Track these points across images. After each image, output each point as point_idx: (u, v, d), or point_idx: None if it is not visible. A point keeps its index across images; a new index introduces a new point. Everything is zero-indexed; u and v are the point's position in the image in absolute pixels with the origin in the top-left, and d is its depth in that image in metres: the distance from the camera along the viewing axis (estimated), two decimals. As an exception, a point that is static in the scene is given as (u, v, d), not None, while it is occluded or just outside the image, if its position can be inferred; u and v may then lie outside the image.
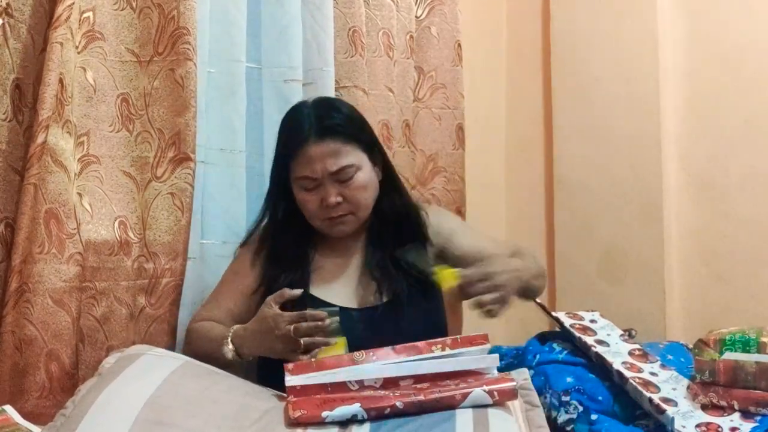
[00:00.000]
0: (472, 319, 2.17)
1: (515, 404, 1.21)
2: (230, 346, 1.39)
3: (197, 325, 1.52)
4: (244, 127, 1.73)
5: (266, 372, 1.43)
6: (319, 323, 1.30)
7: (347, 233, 1.52)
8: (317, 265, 1.54)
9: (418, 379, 1.22)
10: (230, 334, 1.40)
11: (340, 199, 1.45)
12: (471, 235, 1.59)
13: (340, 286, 1.52)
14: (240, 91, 1.72)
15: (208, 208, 1.68)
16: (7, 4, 1.38)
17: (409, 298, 1.45)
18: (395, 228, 1.52)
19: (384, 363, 1.22)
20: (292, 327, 1.29)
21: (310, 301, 1.45)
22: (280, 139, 1.54)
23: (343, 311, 1.39)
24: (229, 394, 1.22)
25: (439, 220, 1.59)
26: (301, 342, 1.28)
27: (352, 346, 1.31)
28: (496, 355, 1.27)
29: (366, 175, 1.48)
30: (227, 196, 1.71)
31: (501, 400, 1.18)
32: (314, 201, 1.47)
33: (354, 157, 1.46)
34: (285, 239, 1.54)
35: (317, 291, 1.49)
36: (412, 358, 1.23)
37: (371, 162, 1.51)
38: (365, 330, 1.38)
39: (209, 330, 1.48)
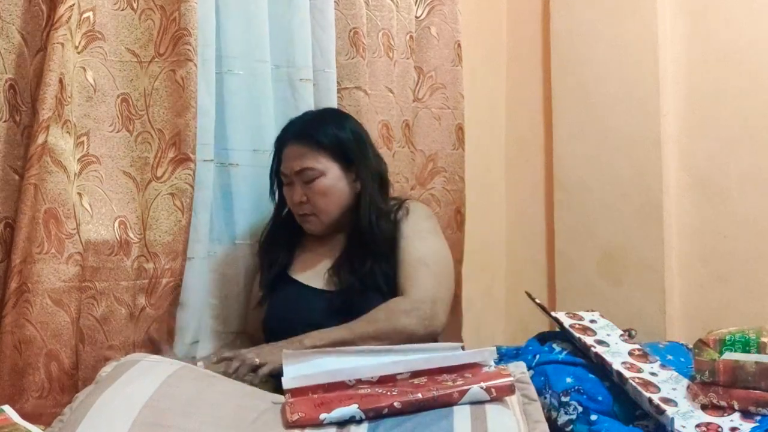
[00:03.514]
0: (471, 319, 2.18)
1: (512, 398, 1.21)
2: None
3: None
4: (274, 127, 1.76)
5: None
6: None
7: (314, 231, 1.67)
8: (303, 253, 1.71)
9: (415, 374, 1.23)
10: None
11: (303, 198, 1.62)
12: (414, 252, 1.61)
13: (315, 271, 1.66)
14: (268, 92, 1.77)
15: (240, 208, 1.76)
16: (-6, 6, 1.38)
17: (361, 291, 1.57)
18: (368, 245, 1.61)
19: (380, 361, 1.24)
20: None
21: (290, 282, 1.66)
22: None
23: (312, 290, 1.64)
24: (226, 396, 1.23)
25: (406, 220, 1.65)
26: None
27: (314, 319, 1.52)
28: (493, 348, 1.27)
29: (329, 182, 1.61)
30: (259, 196, 1.76)
31: (498, 396, 1.18)
32: (289, 197, 1.66)
33: (319, 163, 1.61)
34: (278, 231, 1.71)
35: (297, 275, 1.67)
36: (408, 359, 1.25)
37: (345, 174, 1.63)
38: (323, 306, 1.58)
39: None
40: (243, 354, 1.44)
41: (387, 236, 1.62)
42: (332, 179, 1.62)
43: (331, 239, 1.68)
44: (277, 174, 1.67)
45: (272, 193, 1.70)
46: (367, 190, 1.63)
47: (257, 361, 1.41)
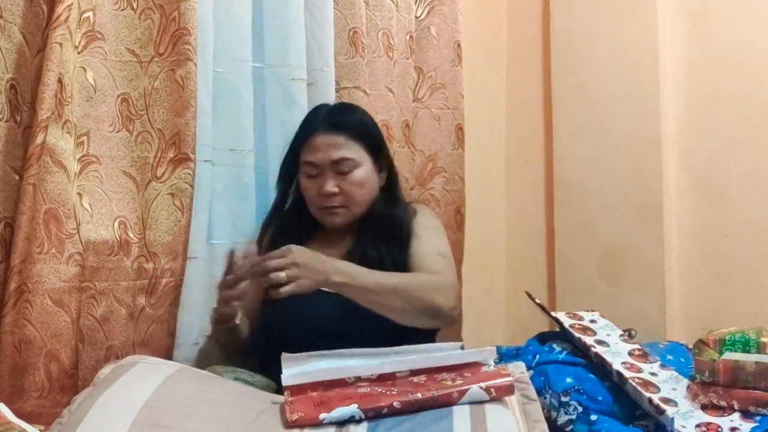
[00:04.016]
0: (471, 319, 2.18)
1: (512, 398, 1.21)
2: None
3: None
4: (252, 127, 1.75)
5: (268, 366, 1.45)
6: None
7: (338, 225, 1.62)
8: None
9: (415, 372, 1.23)
10: None
11: (336, 189, 1.57)
12: (428, 245, 1.59)
13: None
14: (248, 91, 1.75)
15: (216, 208, 1.71)
16: (-5, 5, 1.38)
17: None
18: (383, 233, 1.58)
19: (380, 360, 1.24)
20: None
21: None
22: (296, 132, 1.65)
23: (321, 291, 1.48)
24: (225, 395, 1.23)
25: (415, 220, 1.64)
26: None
27: (324, 323, 1.47)
28: (493, 348, 1.27)
29: (364, 173, 1.59)
30: (236, 196, 1.74)
31: (498, 396, 1.18)
32: (314, 188, 1.59)
33: (356, 153, 1.58)
34: (285, 226, 1.65)
35: None
36: (407, 357, 1.25)
37: (374, 165, 1.62)
38: (336, 309, 1.47)
39: None
40: (271, 266, 1.37)
41: (405, 227, 1.59)
42: (367, 170, 1.60)
43: (339, 239, 1.64)
44: (292, 165, 1.63)
45: (279, 184, 1.67)
46: (393, 184, 1.65)
47: (283, 277, 1.35)
